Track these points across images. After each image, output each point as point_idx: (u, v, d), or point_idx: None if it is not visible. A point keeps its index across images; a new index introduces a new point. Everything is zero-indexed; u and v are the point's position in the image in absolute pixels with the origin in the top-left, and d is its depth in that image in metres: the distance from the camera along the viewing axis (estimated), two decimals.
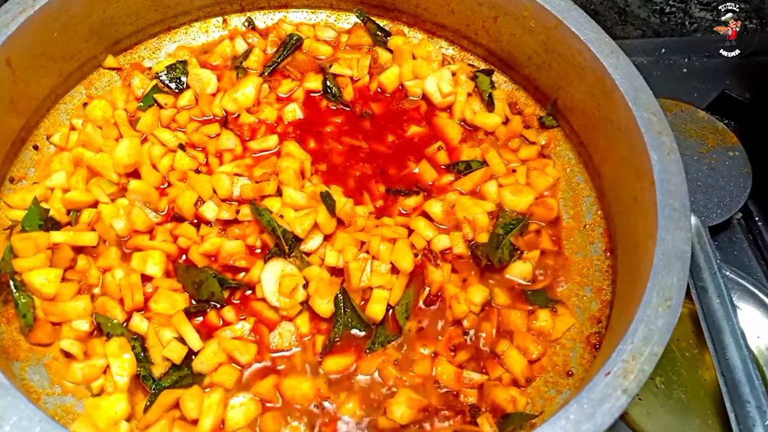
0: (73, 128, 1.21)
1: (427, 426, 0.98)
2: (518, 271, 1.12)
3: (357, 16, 1.43)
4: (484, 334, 1.06)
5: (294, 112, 1.28)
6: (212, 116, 1.26)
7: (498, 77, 1.38)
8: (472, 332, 1.06)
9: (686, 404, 1.13)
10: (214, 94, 1.28)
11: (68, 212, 1.10)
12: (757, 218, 1.40)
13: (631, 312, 0.91)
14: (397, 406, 0.96)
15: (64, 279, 1.04)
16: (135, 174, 1.15)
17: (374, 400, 1.00)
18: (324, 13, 1.45)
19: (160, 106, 1.26)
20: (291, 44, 1.37)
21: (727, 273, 1.22)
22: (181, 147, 1.19)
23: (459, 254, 1.13)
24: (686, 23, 1.75)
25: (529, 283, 1.13)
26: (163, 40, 1.37)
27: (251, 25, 1.42)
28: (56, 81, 1.21)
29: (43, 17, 1.11)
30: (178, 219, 1.12)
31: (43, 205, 1.08)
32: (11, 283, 1.00)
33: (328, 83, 1.32)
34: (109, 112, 1.23)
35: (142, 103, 1.26)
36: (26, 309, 0.99)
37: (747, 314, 1.21)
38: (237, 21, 1.42)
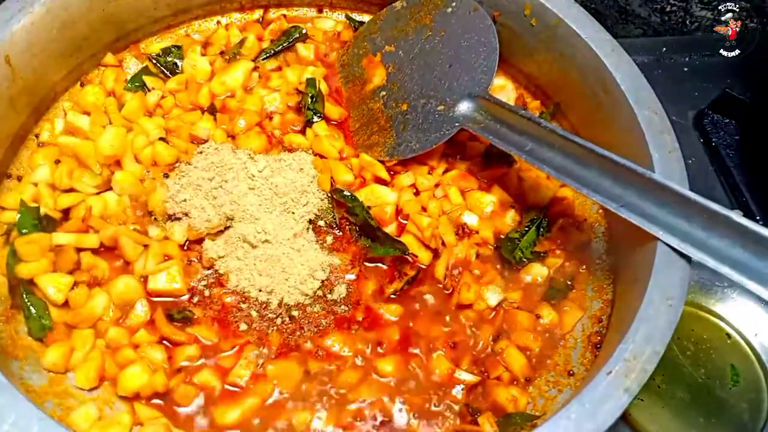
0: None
1: (426, 425, 0.98)
2: (535, 273, 1.12)
3: (347, 20, 1.42)
4: (484, 334, 1.06)
5: None
6: (200, 105, 1.25)
7: (498, 76, 1.37)
8: (473, 328, 1.06)
9: (688, 404, 1.13)
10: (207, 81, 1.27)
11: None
12: (758, 218, 1.39)
13: (632, 311, 0.91)
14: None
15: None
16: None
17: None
18: (328, 13, 1.45)
19: (148, 89, 1.24)
20: (293, 36, 1.36)
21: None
22: (163, 140, 1.16)
23: (484, 240, 1.13)
24: (687, 22, 1.74)
25: (544, 284, 1.12)
26: (164, 38, 1.36)
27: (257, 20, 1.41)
28: (55, 79, 1.21)
29: (42, 15, 1.11)
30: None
31: (33, 204, 1.06)
32: (21, 289, 1.00)
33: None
34: (102, 98, 1.21)
35: (129, 84, 1.24)
36: (42, 312, 0.99)
37: (745, 311, 1.21)
38: (237, 20, 1.42)
